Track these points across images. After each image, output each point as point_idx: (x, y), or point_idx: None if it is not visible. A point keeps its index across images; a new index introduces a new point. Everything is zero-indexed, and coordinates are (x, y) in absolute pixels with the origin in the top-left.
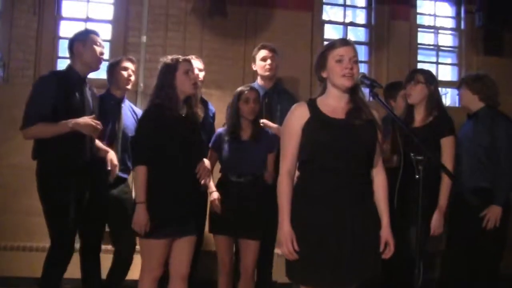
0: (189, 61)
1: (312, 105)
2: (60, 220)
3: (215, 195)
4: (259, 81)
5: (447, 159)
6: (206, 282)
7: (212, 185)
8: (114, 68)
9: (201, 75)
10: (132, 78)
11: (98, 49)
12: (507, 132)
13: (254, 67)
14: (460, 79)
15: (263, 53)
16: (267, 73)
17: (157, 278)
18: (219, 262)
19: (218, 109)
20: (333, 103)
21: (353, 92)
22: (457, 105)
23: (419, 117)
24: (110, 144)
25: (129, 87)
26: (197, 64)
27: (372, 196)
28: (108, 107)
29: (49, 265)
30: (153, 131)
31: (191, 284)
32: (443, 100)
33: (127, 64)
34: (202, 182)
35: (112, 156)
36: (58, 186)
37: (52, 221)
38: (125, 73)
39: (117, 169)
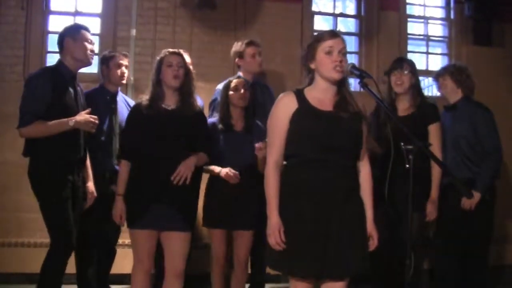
0: (175, 54)
1: (300, 96)
2: (58, 217)
3: (224, 170)
4: (243, 74)
5: (435, 145)
6: (199, 276)
7: (214, 167)
8: (107, 63)
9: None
10: (126, 74)
11: (89, 46)
12: (486, 120)
13: (240, 62)
14: (440, 69)
15: (252, 49)
16: (258, 69)
17: (148, 270)
18: (212, 255)
19: (208, 102)
20: (321, 95)
21: (340, 84)
22: None
23: (403, 106)
24: (109, 139)
25: (124, 82)
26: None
27: (359, 189)
28: (104, 102)
29: (50, 262)
30: (137, 127)
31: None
32: (434, 90)
33: (122, 61)
34: (179, 183)
35: (91, 185)
36: (54, 182)
37: (50, 218)
38: (119, 71)
39: (93, 199)
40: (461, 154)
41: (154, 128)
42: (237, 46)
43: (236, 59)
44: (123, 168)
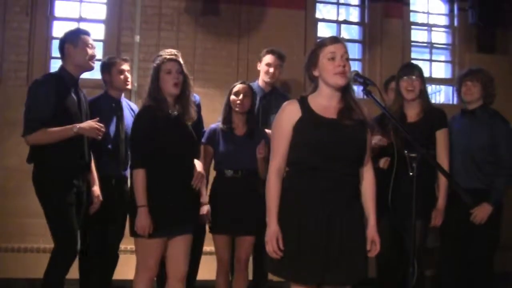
0: (172, 60)
1: (304, 104)
2: (63, 222)
3: (205, 209)
4: (260, 82)
5: (442, 152)
6: (206, 283)
7: (204, 195)
8: (109, 70)
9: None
10: (129, 79)
11: (89, 51)
12: (506, 131)
13: (259, 67)
14: (470, 71)
15: (269, 58)
16: (268, 80)
17: (152, 277)
18: (217, 261)
19: (212, 108)
20: (325, 102)
21: (344, 91)
22: (451, 102)
23: (413, 112)
24: (115, 146)
25: (129, 87)
26: None
27: (360, 196)
28: (109, 109)
29: (54, 267)
30: (147, 134)
31: (192, 284)
32: (437, 97)
33: (123, 66)
34: (198, 187)
35: (97, 189)
36: (58, 188)
37: (55, 223)
38: (122, 76)
39: (99, 203)
40: (474, 163)
41: (164, 134)
42: (262, 51)
43: (258, 64)
44: (140, 178)
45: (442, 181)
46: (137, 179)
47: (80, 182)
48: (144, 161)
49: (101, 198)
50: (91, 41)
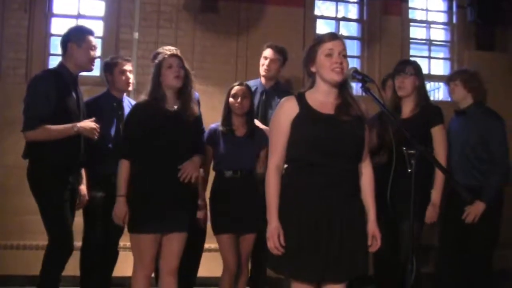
0: (173, 56)
1: (301, 100)
2: (59, 219)
3: (201, 214)
4: (261, 78)
5: (439, 148)
6: (207, 280)
7: (203, 197)
8: (111, 70)
9: None
10: (131, 80)
11: (92, 53)
12: (498, 127)
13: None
14: (452, 73)
15: (266, 52)
16: (263, 73)
17: (149, 275)
18: (223, 262)
19: (211, 106)
20: (322, 98)
21: (342, 87)
22: (449, 99)
23: (407, 108)
24: (116, 145)
25: (130, 88)
26: None
27: (359, 192)
28: (110, 109)
29: (49, 263)
30: (138, 127)
31: (192, 281)
32: (436, 95)
33: (126, 67)
34: (186, 180)
35: (83, 188)
36: (56, 186)
37: (51, 220)
38: (123, 77)
39: (84, 202)
40: (468, 161)
41: (160, 129)
42: (264, 46)
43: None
44: (123, 168)
45: (439, 176)
46: (120, 169)
47: (74, 180)
48: (129, 152)
49: (87, 197)
50: (94, 42)
